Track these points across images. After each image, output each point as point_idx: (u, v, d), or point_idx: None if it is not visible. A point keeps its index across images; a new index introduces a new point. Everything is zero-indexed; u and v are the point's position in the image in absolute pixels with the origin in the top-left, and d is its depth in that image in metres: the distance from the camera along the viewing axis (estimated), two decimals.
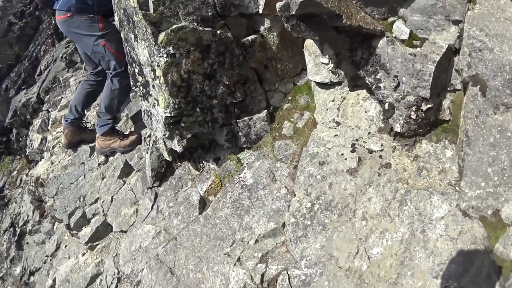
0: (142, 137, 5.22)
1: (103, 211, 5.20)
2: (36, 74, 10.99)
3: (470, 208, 2.82)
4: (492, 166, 2.79)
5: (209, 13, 3.85)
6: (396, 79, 3.38)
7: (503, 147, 2.76)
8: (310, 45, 4.09)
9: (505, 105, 2.80)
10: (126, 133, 5.47)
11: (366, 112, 3.78)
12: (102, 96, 5.15)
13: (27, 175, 7.95)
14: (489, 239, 2.66)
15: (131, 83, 4.74)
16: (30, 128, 9.34)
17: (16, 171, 10.59)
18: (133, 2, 3.65)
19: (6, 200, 10.03)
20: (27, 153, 8.80)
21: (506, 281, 2.51)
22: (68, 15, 4.62)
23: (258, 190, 3.88)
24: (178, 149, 4.11)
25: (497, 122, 2.82)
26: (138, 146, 5.27)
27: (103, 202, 5.25)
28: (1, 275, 8.11)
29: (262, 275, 3.31)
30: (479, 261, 2.63)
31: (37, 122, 8.57)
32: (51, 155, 6.91)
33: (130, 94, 5.71)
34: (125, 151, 5.32)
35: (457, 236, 2.77)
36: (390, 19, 3.51)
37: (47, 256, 6.10)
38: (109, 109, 5.07)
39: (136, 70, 4.41)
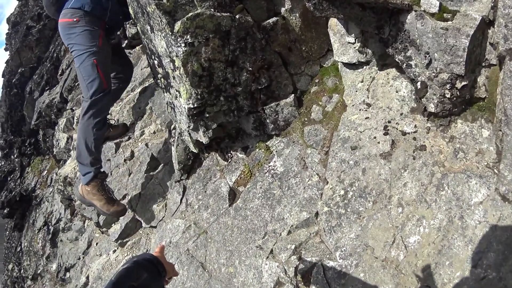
0: (127, 210, 4.90)
1: (131, 207, 5.16)
2: (58, 74, 11.06)
3: (510, 192, 2.65)
4: None
5: None
6: (427, 55, 3.21)
7: None
8: (334, 24, 3.96)
9: None
10: (115, 201, 4.81)
11: (397, 92, 3.63)
12: (77, 138, 4.69)
13: (56, 174, 7.99)
14: None
15: (152, 75, 4.67)
16: (56, 128, 9.42)
17: (46, 171, 10.71)
18: None
19: (38, 200, 10.17)
20: (54, 152, 8.89)
21: None
22: (75, 19, 4.42)
23: (289, 179, 3.78)
24: (204, 140, 4.03)
25: None
26: (163, 138, 5.21)
27: (131, 198, 5.21)
28: (38, 272, 8.26)
29: (296, 268, 3.21)
30: None
31: (62, 122, 8.62)
32: None
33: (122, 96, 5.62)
34: (103, 214, 4.89)
35: (497, 222, 2.61)
36: None
37: (80, 253, 6.12)
38: (81, 154, 4.55)
39: (156, 62, 4.33)
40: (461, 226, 2.72)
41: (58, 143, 8.64)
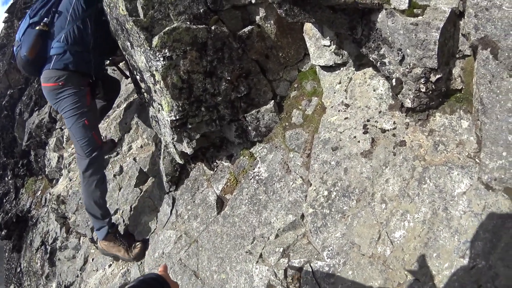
0: (145, 244, 4.77)
1: (123, 221, 5.18)
2: None
3: (492, 180, 2.67)
4: None
5: (201, 10, 3.77)
6: (400, 52, 3.24)
7: None
8: (309, 28, 3.99)
9: None
10: (132, 244, 4.81)
11: (374, 90, 3.67)
12: (82, 197, 4.79)
13: (49, 193, 8.00)
14: None
15: (135, 90, 4.68)
16: (47, 147, 9.41)
17: (40, 191, 10.69)
18: (123, 10, 3.60)
19: (34, 220, 10.14)
20: (46, 172, 8.88)
21: None
22: (60, 83, 4.29)
23: (274, 183, 3.80)
24: (189, 151, 4.06)
25: None
26: (150, 151, 5.23)
27: (122, 212, 5.23)
28: None
29: (285, 270, 3.22)
30: (507, 237, 2.48)
31: (52, 141, 8.63)
32: (69, 172, 6.95)
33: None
34: (127, 261, 4.85)
35: (482, 211, 2.63)
36: None
37: (78, 270, 6.12)
38: (92, 210, 4.64)
39: (138, 77, 4.36)
40: (446, 217, 2.74)
41: (50, 162, 8.63)
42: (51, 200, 6.84)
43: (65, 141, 7.94)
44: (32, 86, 12.20)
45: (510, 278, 2.35)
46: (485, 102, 2.75)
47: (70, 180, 6.58)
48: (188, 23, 3.71)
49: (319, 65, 4.05)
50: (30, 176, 11.90)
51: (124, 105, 6.32)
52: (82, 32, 4.30)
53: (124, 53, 4.44)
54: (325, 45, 3.89)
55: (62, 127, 8.68)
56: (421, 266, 2.69)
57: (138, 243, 4.71)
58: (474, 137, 2.97)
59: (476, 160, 2.86)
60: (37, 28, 4.19)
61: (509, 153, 2.63)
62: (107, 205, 4.76)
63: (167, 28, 3.63)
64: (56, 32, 4.26)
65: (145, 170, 5.20)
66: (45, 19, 4.24)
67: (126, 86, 6.67)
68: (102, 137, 5.90)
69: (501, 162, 2.65)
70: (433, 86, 3.18)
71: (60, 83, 4.27)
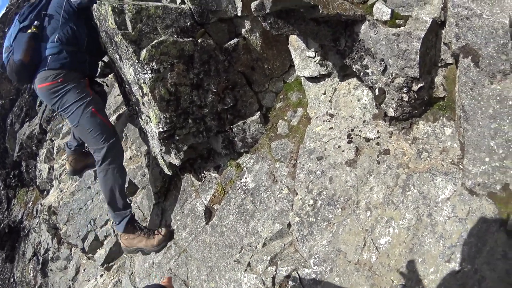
0: (169, 231, 4.53)
1: (114, 231, 5.17)
2: (37, 105, 11.03)
3: (476, 185, 2.71)
4: (495, 139, 2.68)
5: (188, 23, 3.79)
6: (382, 62, 3.27)
7: (504, 118, 2.64)
8: (294, 40, 4.01)
9: (502, 72, 2.67)
10: (153, 231, 4.57)
11: (358, 100, 3.69)
12: (102, 190, 4.51)
13: (41, 204, 7.97)
14: (501, 215, 2.55)
15: (124, 102, 4.67)
16: (37, 158, 9.38)
17: (31, 202, 10.63)
18: (112, 24, 3.59)
19: (26, 231, 10.09)
20: (38, 183, 8.85)
21: None
22: (59, 80, 4.15)
23: (261, 193, 3.82)
24: (177, 162, 4.05)
25: (495, 92, 2.69)
26: (140, 163, 5.22)
27: (112, 223, 5.20)
28: None
29: (273, 278, 3.23)
30: (492, 241, 2.51)
31: (42, 152, 8.60)
32: (59, 183, 6.94)
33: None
34: (154, 251, 4.53)
35: (466, 216, 2.66)
36: (370, 1, 3.40)
37: (70, 280, 6.10)
38: (115, 201, 4.40)
39: (127, 89, 4.37)
40: (430, 223, 2.77)
41: (41, 173, 8.60)
42: (42, 211, 6.82)
43: (55, 152, 7.91)
44: (23, 97, 12.15)
45: (496, 281, 2.38)
46: (467, 109, 2.79)
47: (61, 191, 6.57)
48: (175, 36, 3.72)
49: (304, 76, 4.08)
50: (21, 187, 11.84)
51: (114, 117, 6.31)
52: (75, 32, 4.24)
53: (113, 65, 4.44)
54: (309, 57, 3.91)
55: (53, 139, 8.66)
56: (407, 271, 2.71)
57: (160, 229, 4.50)
58: (457, 144, 3.00)
59: (460, 166, 2.89)
60: (29, 31, 4.11)
61: (492, 159, 2.67)
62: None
63: (154, 41, 3.64)
64: (49, 34, 4.18)
65: (135, 181, 5.20)
66: (36, 22, 4.16)
67: (115, 98, 6.66)
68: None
69: (484, 167, 2.69)
70: (415, 95, 3.21)
71: (59, 80, 4.16)
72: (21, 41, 4.11)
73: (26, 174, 10.67)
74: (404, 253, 2.77)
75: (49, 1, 4.26)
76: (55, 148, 7.99)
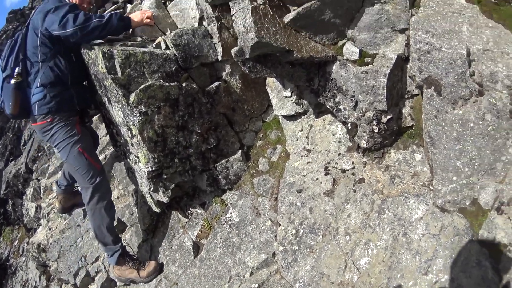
0: (159, 264, 4.54)
1: (104, 267, 5.18)
2: (21, 144, 10.98)
3: (446, 203, 2.88)
4: (460, 159, 2.86)
5: (173, 68, 3.91)
6: (353, 98, 3.46)
7: (467, 139, 2.83)
8: (271, 81, 4.19)
9: (463, 98, 2.86)
10: (144, 263, 4.55)
11: (333, 135, 3.87)
12: (91, 227, 4.51)
13: (27, 243, 7.90)
14: (472, 228, 2.72)
15: (111, 143, 4.70)
16: (24, 197, 9.29)
17: (17, 240, 10.50)
18: (102, 68, 3.68)
19: (13, 269, 9.95)
20: (25, 222, 8.75)
21: (498, 263, 2.55)
22: (48, 120, 4.15)
23: (245, 226, 3.93)
24: (165, 200, 4.13)
25: (457, 117, 2.88)
26: (127, 202, 5.27)
27: (103, 259, 5.23)
28: None
29: None
30: (465, 251, 2.67)
31: (29, 191, 8.52)
32: (48, 221, 6.89)
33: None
34: (144, 282, 4.49)
35: (439, 231, 2.83)
36: (340, 42, 3.61)
37: None
38: (104, 238, 4.41)
39: (114, 131, 4.44)
40: (406, 241, 2.93)
41: (28, 212, 8.51)
42: (30, 249, 6.77)
43: (42, 192, 7.87)
44: (7, 135, 12.05)
45: (472, 286, 2.54)
46: (432, 134, 2.98)
47: (50, 229, 6.53)
48: (161, 80, 3.83)
49: (282, 115, 4.24)
50: (7, 225, 11.69)
51: (100, 157, 6.34)
52: (56, 71, 4.10)
53: (101, 107, 4.50)
54: (286, 96, 4.09)
55: (39, 178, 8.62)
56: (387, 287, 2.84)
57: (150, 261, 4.52)
58: (427, 168, 3.19)
59: (430, 187, 3.07)
60: (12, 81, 4.06)
61: (459, 177, 2.86)
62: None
63: (142, 86, 3.74)
64: (33, 78, 4.12)
65: (123, 219, 5.22)
66: (17, 68, 4.08)
67: (101, 139, 6.68)
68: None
69: (453, 185, 2.87)
70: (385, 126, 3.40)
71: (48, 120, 4.15)
72: (8, 93, 4.10)
73: (12, 212, 10.56)
74: (383, 270, 2.91)
75: (25, 40, 4.12)
76: (41, 187, 7.93)
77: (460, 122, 2.87)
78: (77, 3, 4.14)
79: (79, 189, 4.59)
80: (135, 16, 4.10)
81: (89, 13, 3.94)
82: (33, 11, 4.15)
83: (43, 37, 3.96)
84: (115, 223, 4.79)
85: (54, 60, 4.10)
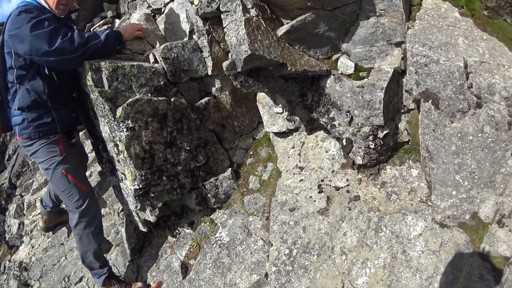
0: (146, 285, 4.28)
1: None
2: (5, 159, 10.76)
3: (446, 218, 2.81)
4: (460, 173, 2.79)
5: (161, 82, 3.78)
6: (348, 114, 3.35)
7: (467, 152, 2.77)
8: (262, 97, 4.07)
9: (461, 111, 2.80)
10: (130, 285, 4.28)
11: (326, 152, 3.74)
12: (78, 250, 4.24)
13: (9, 260, 7.67)
14: (473, 242, 2.66)
15: (97, 160, 4.54)
16: (6, 213, 9.08)
17: None
18: (89, 80, 3.53)
19: None
20: (7, 238, 8.53)
21: (501, 276, 2.48)
22: (29, 140, 3.83)
23: (236, 247, 3.77)
24: (152, 219, 3.96)
25: (456, 130, 2.82)
26: (113, 220, 5.09)
27: (87, 280, 5.03)
28: None
29: None
30: (467, 266, 2.60)
31: (12, 208, 8.32)
32: (31, 239, 6.72)
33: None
34: None
35: (439, 248, 2.75)
36: (334, 57, 3.51)
37: None
38: (91, 263, 4.17)
39: (100, 147, 4.26)
40: (405, 259, 2.83)
41: (10, 229, 8.30)
42: (12, 267, 6.57)
43: (25, 208, 7.67)
44: None
45: None
46: (431, 149, 2.91)
47: (33, 248, 6.36)
48: (149, 95, 3.70)
49: (273, 132, 4.12)
50: None
51: (86, 174, 6.20)
52: (34, 94, 3.69)
53: (87, 123, 4.30)
54: (277, 112, 3.96)
55: (22, 194, 8.42)
56: None
57: (137, 283, 4.26)
58: (424, 183, 3.10)
59: (428, 203, 2.98)
60: None
61: (459, 191, 2.78)
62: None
63: (130, 100, 3.60)
64: (11, 99, 3.76)
65: (109, 238, 5.06)
66: None
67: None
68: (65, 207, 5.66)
69: (452, 200, 2.80)
70: (381, 142, 3.29)
71: (30, 141, 3.85)
72: None
73: None
74: None
75: (3, 59, 3.70)
76: (25, 203, 7.76)
77: (459, 135, 2.82)
78: (52, 6, 3.68)
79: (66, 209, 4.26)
80: (125, 32, 3.94)
81: (83, 33, 3.64)
82: (4, 26, 3.67)
83: (19, 59, 3.58)
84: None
85: (31, 83, 3.69)
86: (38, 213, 6.27)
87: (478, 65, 2.80)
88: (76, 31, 3.74)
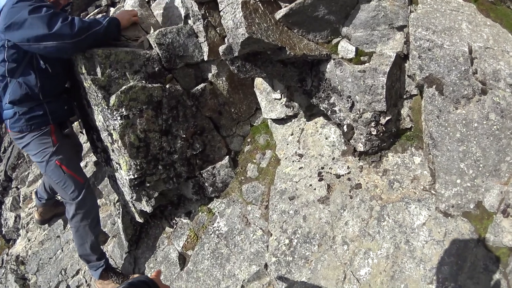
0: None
1: (86, 281, 4.93)
2: (1, 151, 10.68)
3: (450, 207, 2.76)
4: (464, 161, 2.74)
5: (156, 69, 3.68)
6: (349, 99, 3.28)
7: (471, 139, 2.71)
8: (260, 83, 3.99)
9: (466, 97, 2.74)
10: (128, 277, 4.20)
11: (326, 138, 3.66)
12: (74, 243, 4.19)
13: (7, 254, 7.61)
14: (477, 232, 2.62)
15: (92, 150, 4.45)
16: (3, 207, 9.03)
17: None
18: (81, 68, 3.42)
19: None
20: (3, 232, 8.47)
21: (505, 267, 2.45)
22: (21, 133, 3.76)
23: (234, 237, 3.70)
24: (148, 209, 3.88)
25: (460, 117, 2.76)
26: (109, 211, 5.00)
27: (84, 272, 4.97)
28: None
29: None
30: (472, 256, 2.57)
31: (8, 200, 8.27)
32: (27, 232, 6.66)
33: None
34: None
35: (443, 238, 2.70)
36: (334, 41, 3.42)
37: None
38: (88, 256, 4.08)
39: (95, 136, 4.16)
40: (409, 249, 2.78)
41: (6, 222, 8.25)
42: (9, 261, 6.50)
43: (21, 201, 7.60)
44: None
45: None
46: (434, 136, 2.85)
47: (29, 241, 6.31)
48: (143, 81, 3.60)
49: (271, 119, 4.04)
50: None
51: (81, 164, 6.12)
52: (25, 87, 3.62)
53: (81, 112, 4.18)
54: (276, 99, 3.88)
55: (18, 186, 8.35)
56: None
57: (134, 275, 4.19)
58: (427, 171, 3.04)
59: (432, 191, 2.92)
60: None
61: (463, 180, 2.74)
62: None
63: (123, 87, 3.50)
64: (2, 93, 3.70)
65: (105, 229, 4.99)
66: None
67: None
68: (60, 198, 5.56)
69: (456, 189, 2.75)
70: (383, 128, 3.22)
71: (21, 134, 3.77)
72: None
73: None
74: (385, 281, 2.76)
75: None
76: (21, 196, 7.69)
77: (464, 122, 2.75)
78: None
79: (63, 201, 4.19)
80: (122, 18, 3.78)
81: (84, 19, 3.51)
82: None
83: (12, 50, 3.46)
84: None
85: (24, 76, 3.61)
86: (34, 206, 6.18)
87: (482, 50, 2.73)
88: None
